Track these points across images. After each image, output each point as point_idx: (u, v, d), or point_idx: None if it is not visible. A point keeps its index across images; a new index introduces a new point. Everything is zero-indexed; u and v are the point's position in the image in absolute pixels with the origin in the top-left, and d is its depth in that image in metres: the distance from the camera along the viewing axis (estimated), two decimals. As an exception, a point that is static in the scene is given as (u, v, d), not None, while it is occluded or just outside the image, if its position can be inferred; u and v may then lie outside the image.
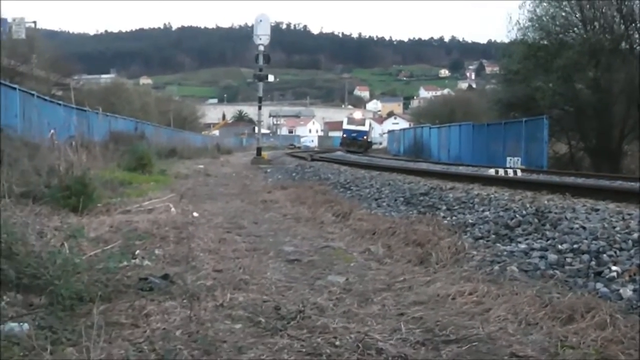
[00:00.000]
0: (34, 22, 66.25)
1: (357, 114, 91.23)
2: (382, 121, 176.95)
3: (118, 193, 12.57)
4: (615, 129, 40.07)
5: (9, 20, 57.59)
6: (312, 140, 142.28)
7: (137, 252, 6.84)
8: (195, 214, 10.44)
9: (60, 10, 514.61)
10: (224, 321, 4.61)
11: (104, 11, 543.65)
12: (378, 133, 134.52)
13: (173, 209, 10.42)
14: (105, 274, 5.33)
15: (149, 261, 6.51)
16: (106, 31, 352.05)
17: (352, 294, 5.62)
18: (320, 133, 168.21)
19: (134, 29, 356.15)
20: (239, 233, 8.94)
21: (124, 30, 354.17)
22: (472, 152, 45.84)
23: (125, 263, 6.00)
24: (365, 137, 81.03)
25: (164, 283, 5.56)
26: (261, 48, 34.40)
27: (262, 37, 34.35)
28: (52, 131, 11.37)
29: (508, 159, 37.88)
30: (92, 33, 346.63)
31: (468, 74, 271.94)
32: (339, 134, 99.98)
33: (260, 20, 34.87)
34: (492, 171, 22.08)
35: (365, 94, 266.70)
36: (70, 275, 4.95)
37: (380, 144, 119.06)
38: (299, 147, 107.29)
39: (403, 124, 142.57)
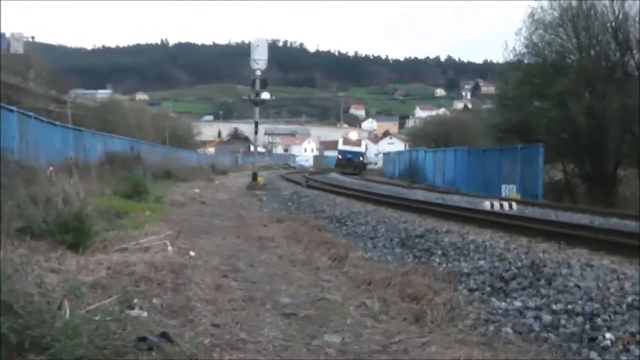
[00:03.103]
0: (32, 37, 66.38)
1: (353, 135, 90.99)
2: (377, 141, 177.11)
3: (114, 225, 12.56)
4: (610, 155, 40.23)
5: (7, 35, 57.67)
6: (307, 160, 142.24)
7: (135, 301, 6.86)
8: (191, 253, 10.46)
9: (58, 25, 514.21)
10: (223, 390, 4.65)
11: (101, 26, 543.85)
12: (373, 153, 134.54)
13: (170, 248, 10.44)
14: (105, 335, 5.36)
15: (146, 312, 6.54)
16: (103, 46, 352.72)
17: (348, 356, 5.65)
18: (316, 152, 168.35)
19: (131, 44, 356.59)
20: (236, 278, 8.95)
21: (121, 46, 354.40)
22: (467, 177, 45.84)
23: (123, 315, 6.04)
24: (360, 159, 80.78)
25: (163, 341, 5.59)
26: (258, 73, 34.44)
27: (260, 62, 34.37)
28: (51, 168, 11.40)
29: (503, 186, 37.89)
30: (89, 48, 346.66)
31: (464, 94, 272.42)
32: (334, 153, 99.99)
33: (258, 45, 34.86)
34: (487, 204, 22.16)
35: (361, 112, 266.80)
36: (71, 337, 4.99)
37: (376, 164, 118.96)
38: (294, 167, 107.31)
39: (398, 144, 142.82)
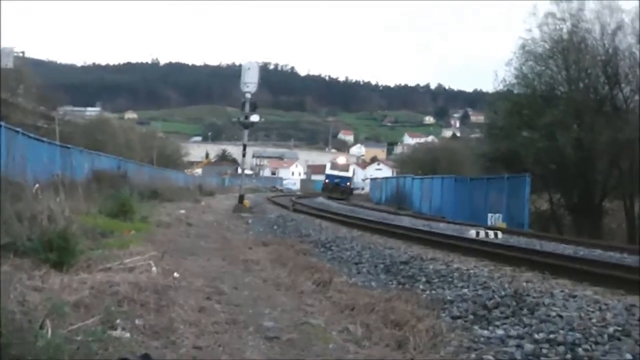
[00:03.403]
0: (22, 52, 66.30)
1: (341, 159, 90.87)
2: (365, 166, 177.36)
3: (99, 244, 12.53)
4: (597, 187, 40.45)
5: (-3, 49, 57.51)
6: (295, 183, 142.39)
7: (118, 321, 6.84)
8: (176, 275, 10.44)
9: (49, 40, 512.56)
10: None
11: (92, 43, 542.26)
12: (361, 178, 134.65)
13: (154, 269, 10.41)
14: (86, 355, 5.36)
15: (129, 332, 6.53)
16: (94, 63, 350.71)
17: (330, 381, 5.67)
18: (303, 176, 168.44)
19: (121, 62, 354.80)
20: (219, 300, 8.95)
21: (111, 63, 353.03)
22: (454, 205, 45.85)
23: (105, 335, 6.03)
24: (348, 184, 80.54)
25: (144, 363, 5.57)
26: (248, 96, 34.43)
27: (250, 85, 34.36)
28: (37, 185, 11.40)
29: (489, 215, 37.94)
30: (79, 64, 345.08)
31: (453, 122, 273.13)
32: (321, 177, 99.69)
33: (249, 68, 34.90)
34: (472, 232, 22.20)
35: (350, 138, 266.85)
36: (52, 357, 4.99)
37: (363, 189, 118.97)
38: (281, 190, 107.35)
39: (386, 170, 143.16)
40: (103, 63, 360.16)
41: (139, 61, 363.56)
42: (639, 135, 35.37)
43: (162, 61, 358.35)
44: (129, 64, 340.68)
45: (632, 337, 6.68)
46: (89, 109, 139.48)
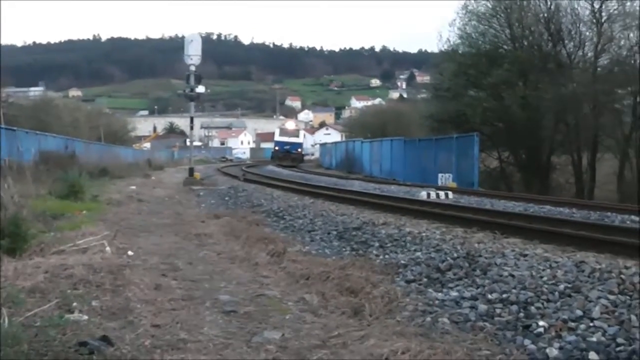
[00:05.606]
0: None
1: (290, 124, 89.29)
2: (314, 132, 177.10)
3: (51, 227, 12.45)
4: (544, 144, 40.91)
5: None
6: (244, 152, 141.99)
7: (74, 304, 6.82)
8: (130, 253, 10.43)
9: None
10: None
11: (32, 22, 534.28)
12: (310, 144, 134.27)
13: (107, 248, 10.38)
14: (45, 341, 5.35)
15: (86, 315, 6.52)
16: (34, 42, 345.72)
17: (288, 352, 5.71)
18: (252, 145, 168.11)
19: (62, 40, 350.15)
20: (175, 277, 8.96)
21: (52, 42, 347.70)
22: (404, 167, 45.86)
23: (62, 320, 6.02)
24: (299, 150, 78.76)
25: (103, 345, 5.57)
26: (192, 68, 34.21)
27: (194, 58, 34.08)
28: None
29: (440, 175, 38.03)
30: (19, 44, 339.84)
31: (399, 84, 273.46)
32: (271, 145, 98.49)
33: (192, 40, 34.59)
34: (424, 194, 22.35)
35: (297, 104, 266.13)
36: (10, 345, 4.98)
37: (312, 155, 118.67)
38: (231, 160, 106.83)
39: (335, 135, 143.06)
40: (44, 42, 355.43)
41: (81, 38, 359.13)
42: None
43: (104, 37, 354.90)
44: (70, 41, 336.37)
45: (582, 293, 6.82)
46: (32, 89, 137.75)
